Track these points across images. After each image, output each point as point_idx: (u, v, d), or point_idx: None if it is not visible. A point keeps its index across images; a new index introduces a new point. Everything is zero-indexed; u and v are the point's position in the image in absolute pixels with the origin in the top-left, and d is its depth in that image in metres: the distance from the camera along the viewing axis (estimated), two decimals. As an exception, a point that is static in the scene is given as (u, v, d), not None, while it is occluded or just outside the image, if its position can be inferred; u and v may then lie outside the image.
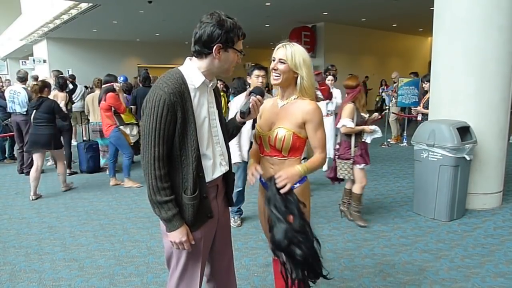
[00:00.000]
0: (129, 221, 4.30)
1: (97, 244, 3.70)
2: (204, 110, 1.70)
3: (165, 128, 1.57)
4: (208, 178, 1.71)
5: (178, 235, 1.63)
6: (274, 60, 1.90)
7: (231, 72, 1.75)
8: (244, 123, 1.92)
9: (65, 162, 5.67)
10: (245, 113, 1.86)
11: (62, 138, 6.43)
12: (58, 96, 6.30)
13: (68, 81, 7.55)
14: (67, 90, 7.17)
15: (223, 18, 1.62)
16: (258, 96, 1.83)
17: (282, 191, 1.77)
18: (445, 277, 2.95)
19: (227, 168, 1.83)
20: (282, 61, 1.88)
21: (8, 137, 7.51)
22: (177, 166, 1.64)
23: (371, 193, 5.15)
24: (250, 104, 1.82)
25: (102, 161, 6.79)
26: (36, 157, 5.23)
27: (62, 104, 6.22)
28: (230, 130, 1.92)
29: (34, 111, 5.22)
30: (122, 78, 11.31)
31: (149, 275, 3.06)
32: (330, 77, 6.00)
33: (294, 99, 1.93)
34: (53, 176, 6.43)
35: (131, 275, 3.06)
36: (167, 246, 1.77)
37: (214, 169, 1.74)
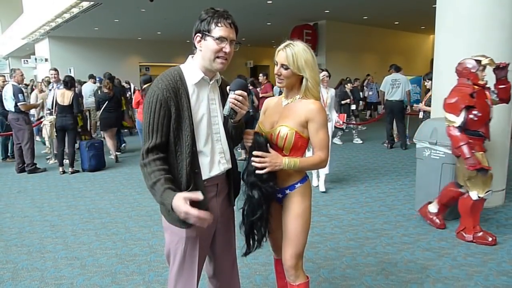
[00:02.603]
0: (131, 219, 4.31)
1: (99, 242, 3.70)
2: (203, 106, 1.70)
3: (159, 123, 1.60)
4: (204, 176, 1.70)
5: (177, 209, 1.52)
6: (276, 64, 1.88)
7: (220, 63, 1.66)
8: (239, 121, 1.80)
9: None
10: (230, 116, 1.71)
11: (66, 137, 6.46)
12: (65, 94, 6.31)
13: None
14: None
15: (206, 10, 1.65)
16: (236, 92, 1.67)
17: (257, 171, 1.79)
18: (447, 276, 2.94)
19: (226, 166, 1.80)
20: (284, 66, 1.84)
21: (11, 136, 7.52)
22: (173, 161, 1.66)
23: (373, 191, 5.14)
24: (230, 104, 1.68)
25: None
26: (107, 135, 7.43)
27: (66, 102, 6.29)
28: (229, 130, 1.82)
29: (107, 102, 7.23)
30: (97, 79, 11.41)
31: (150, 273, 3.07)
32: (325, 73, 5.76)
33: (299, 98, 1.92)
34: (54, 175, 6.45)
35: (133, 274, 3.07)
36: (167, 242, 1.79)
37: (211, 167, 1.73)
